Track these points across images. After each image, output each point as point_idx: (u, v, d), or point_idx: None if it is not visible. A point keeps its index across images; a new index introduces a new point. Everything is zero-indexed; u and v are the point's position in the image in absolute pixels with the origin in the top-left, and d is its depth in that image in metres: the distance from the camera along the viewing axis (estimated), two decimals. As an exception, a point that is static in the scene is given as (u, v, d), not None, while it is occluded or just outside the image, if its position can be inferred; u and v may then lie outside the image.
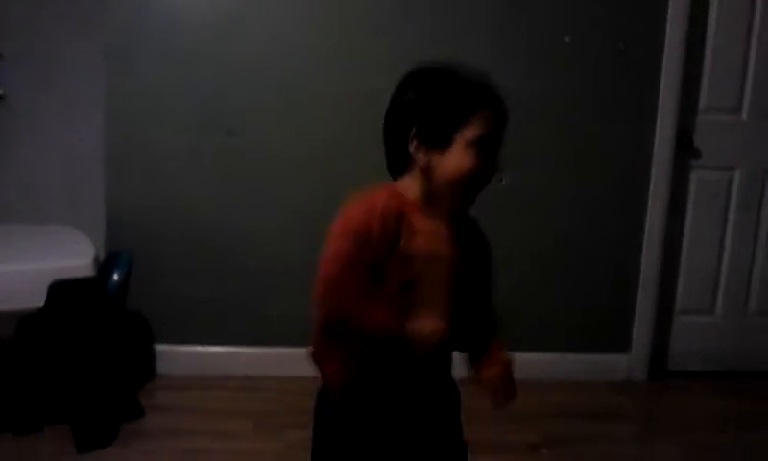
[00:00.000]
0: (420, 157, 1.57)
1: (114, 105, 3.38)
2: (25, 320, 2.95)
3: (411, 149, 1.57)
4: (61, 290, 2.73)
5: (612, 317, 3.77)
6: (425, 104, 1.57)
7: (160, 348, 3.54)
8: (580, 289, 3.70)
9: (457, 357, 1.78)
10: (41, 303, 2.73)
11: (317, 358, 1.63)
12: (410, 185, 1.61)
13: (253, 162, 3.45)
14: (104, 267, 3.04)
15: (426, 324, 1.56)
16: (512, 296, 3.60)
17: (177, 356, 3.53)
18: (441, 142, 1.55)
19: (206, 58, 3.39)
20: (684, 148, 3.70)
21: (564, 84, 3.55)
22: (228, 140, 3.42)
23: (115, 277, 3.04)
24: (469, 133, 1.54)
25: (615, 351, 3.78)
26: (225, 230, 3.49)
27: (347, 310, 1.56)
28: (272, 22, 3.39)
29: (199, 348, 3.55)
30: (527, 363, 3.65)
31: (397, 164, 1.62)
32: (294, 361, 3.50)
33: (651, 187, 3.66)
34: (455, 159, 1.55)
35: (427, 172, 1.58)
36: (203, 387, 3.45)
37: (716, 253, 3.86)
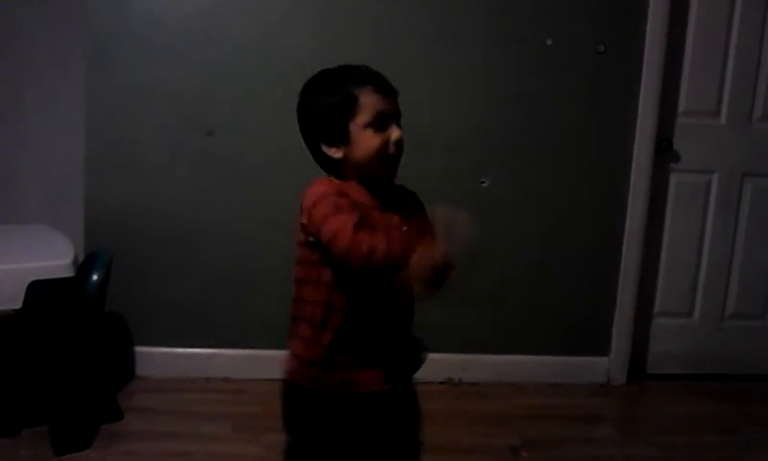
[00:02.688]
0: (335, 152, 1.73)
1: (94, 104, 3.36)
2: (3, 321, 2.92)
3: (325, 151, 1.74)
4: (40, 291, 2.71)
5: (592, 320, 3.78)
6: (314, 115, 1.75)
7: (139, 349, 3.52)
8: (560, 292, 3.71)
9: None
10: (19, 304, 2.70)
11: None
12: (342, 174, 1.75)
13: (234, 163, 3.44)
14: (83, 267, 3.01)
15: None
16: (491, 298, 3.63)
17: (156, 358, 3.51)
18: (342, 138, 1.72)
19: (187, 57, 3.37)
20: (664, 151, 3.73)
21: (544, 86, 3.56)
22: (208, 141, 3.41)
23: (94, 277, 3.02)
24: (360, 119, 1.70)
25: (595, 354, 3.80)
26: (205, 232, 3.47)
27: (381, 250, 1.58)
28: (253, 21, 3.38)
29: (178, 350, 3.54)
30: (507, 366, 3.69)
31: (325, 162, 1.77)
32: (274, 364, 3.49)
33: (630, 190, 3.68)
34: (361, 146, 1.71)
35: (347, 160, 1.73)
36: (182, 389, 3.43)
37: (695, 256, 3.89)
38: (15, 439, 2.88)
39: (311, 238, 1.68)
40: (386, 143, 1.70)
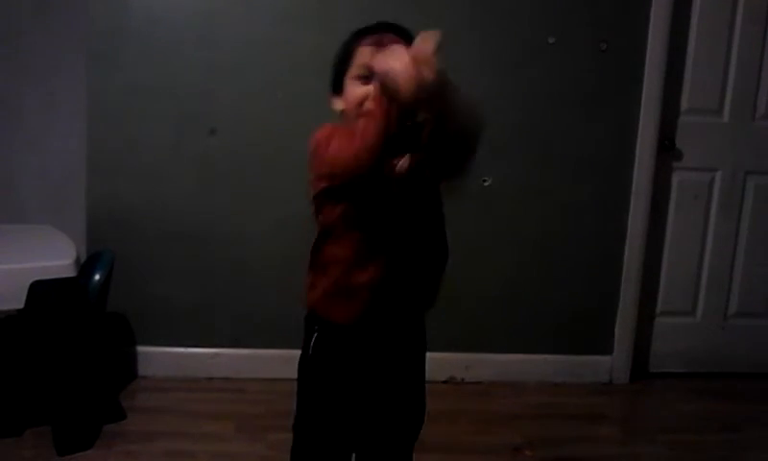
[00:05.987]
0: (336, 103, 1.78)
1: (96, 103, 3.36)
2: (5, 321, 2.92)
3: (332, 102, 1.79)
4: (42, 291, 2.71)
5: (595, 319, 3.78)
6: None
7: (141, 349, 3.52)
8: (562, 291, 3.71)
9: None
10: (22, 304, 2.70)
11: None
12: None
13: (237, 162, 3.44)
14: (85, 267, 3.01)
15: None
16: (494, 298, 3.63)
17: (158, 358, 3.51)
18: (338, 88, 1.77)
19: (189, 56, 3.37)
20: (666, 149, 3.72)
21: (546, 85, 3.55)
22: (211, 139, 3.41)
23: (97, 277, 3.02)
24: (353, 71, 1.73)
25: (598, 353, 3.79)
26: (207, 231, 3.47)
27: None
28: (255, 20, 3.38)
29: (180, 349, 3.53)
30: (510, 365, 3.69)
31: None
32: (276, 363, 3.51)
33: (633, 188, 3.67)
34: (348, 95, 1.74)
35: (345, 114, 1.76)
36: (184, 389, 3.43)
37: (697, 254, 3.88)
38: (18, 439, 2.88)
39: (323, 184, 1.70)
40: (366, 95, 1.68)
